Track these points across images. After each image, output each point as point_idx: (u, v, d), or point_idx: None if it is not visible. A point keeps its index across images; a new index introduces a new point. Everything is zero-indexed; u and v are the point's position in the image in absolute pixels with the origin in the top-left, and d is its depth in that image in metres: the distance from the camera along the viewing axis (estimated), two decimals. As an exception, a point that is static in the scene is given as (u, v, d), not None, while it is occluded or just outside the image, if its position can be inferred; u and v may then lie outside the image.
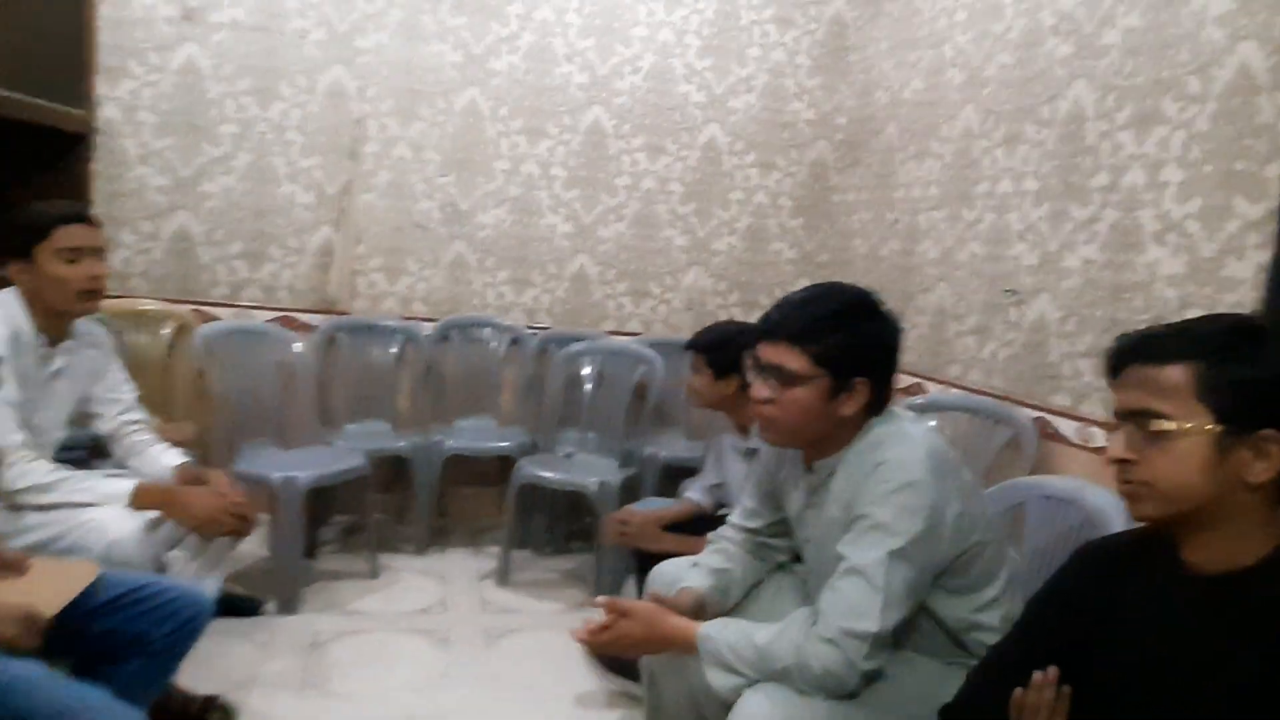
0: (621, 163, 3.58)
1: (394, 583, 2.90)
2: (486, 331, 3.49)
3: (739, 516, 1.71)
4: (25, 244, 1.83)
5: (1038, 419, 2.39)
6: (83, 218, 1.91)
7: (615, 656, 2.16)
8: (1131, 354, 0.99)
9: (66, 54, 2.89)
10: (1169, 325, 1.02)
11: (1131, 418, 0.97)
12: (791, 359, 1.38)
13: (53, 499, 1.74)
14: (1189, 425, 0.93)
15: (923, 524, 1.29)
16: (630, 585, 2.55)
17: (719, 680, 1.32)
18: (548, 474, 2.92)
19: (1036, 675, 1.04)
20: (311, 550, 3.02)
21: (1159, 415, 0.94)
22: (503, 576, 2.99)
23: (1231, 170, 1.91)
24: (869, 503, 1.32)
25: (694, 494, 2.41)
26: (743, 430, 2.27)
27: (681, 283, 3.70)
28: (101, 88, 3.05)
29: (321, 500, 3.14)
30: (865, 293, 1.45)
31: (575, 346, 3.35)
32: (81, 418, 2.05)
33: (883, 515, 1.30)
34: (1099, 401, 2.23)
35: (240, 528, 1.90)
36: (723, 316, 3.71)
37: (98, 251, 1.91)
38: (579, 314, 3.63)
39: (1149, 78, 2.15)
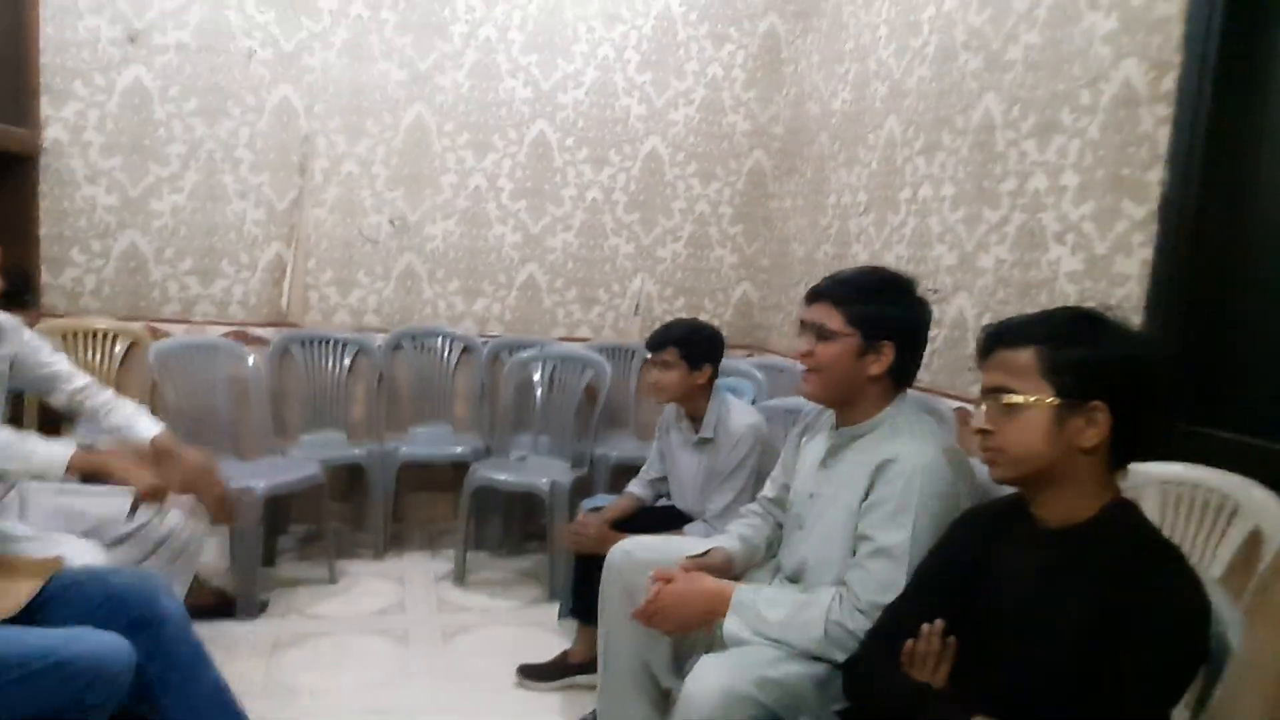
0: (567, 174, 3.70)
1: (353, 587, 2.97)
2: (438, 341, 3.58)
3: (768, 489, 1.88)
4: None
5: (958, 409, 2.56)
6: None
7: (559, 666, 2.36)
8: (996, 340, 1.15)
9: (9, 75, 2.94)
10: (1027, 315, 1.17)
11: (990, 394, 1.13)
12: (829, 317, 1.57)
13: None
14: (1033, 399, 1.08)
15: (940, 509, 1.43)
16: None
17: (734, 628, 1.48)
18: (501, 476, 3.02)
19: (924, 627, 1.18)
20: (270, 559, 3.08)
21: (1011, 391, 1.10)
22: (459, 577, 3.08)
23: (1119, 175, 2.10)
24: (892, 494, 1.46)
25: (634, 488, 2.52)
26: (694, 421, 2.40)
27: (628, 289, 3.83)
28: (46, 109, 3.09)
29: (279, 510, 3.20)
30: (904, 277, 1.65)
31: (525, 353, 3.46)
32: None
33: (904, 500, 1.44)
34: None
35: (214, 503, 1.89)
36: (669, 320, 3.86)
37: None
38: (529, 322, 3.73)
39: (1048, 90, 2.34)
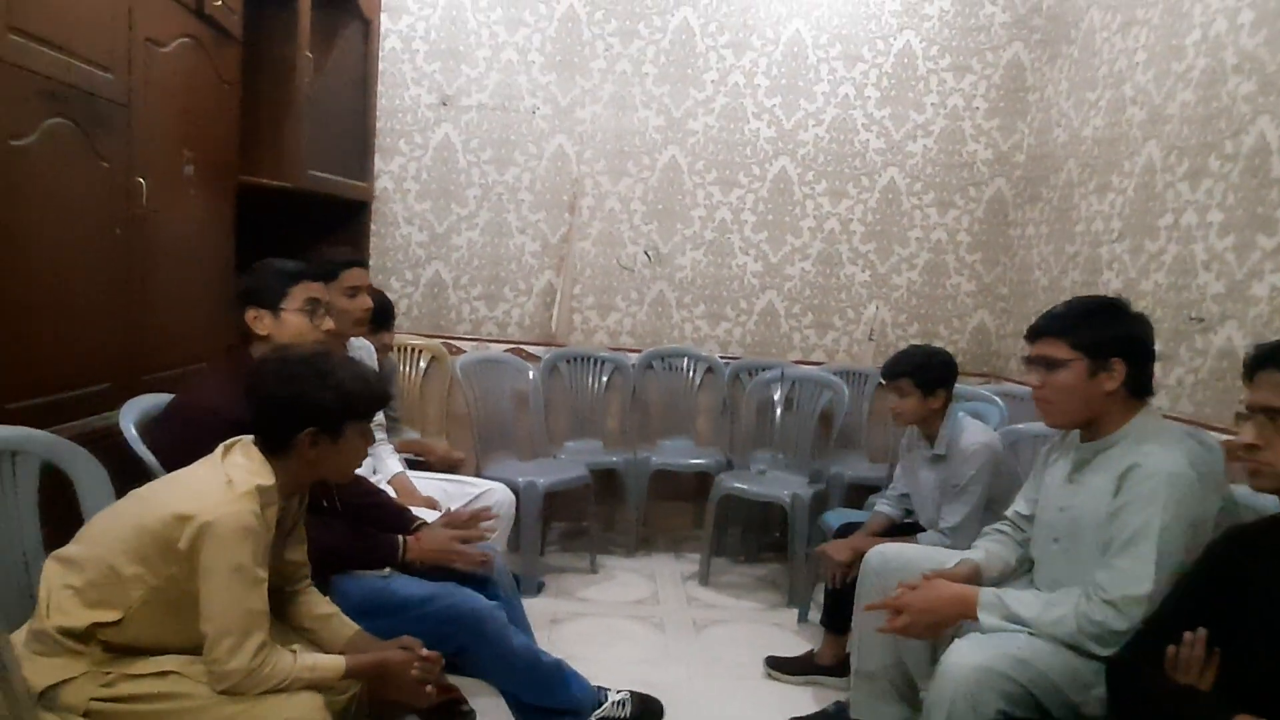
0: (806, 207, 3.92)
1: (611, 579, 3.34)
2: (684, 361, 3.91)
3: (1019, 505, 1.98)
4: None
5: (1225, 440, 2.48)
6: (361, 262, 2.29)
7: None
8: (1268, 360, 1.23)
9: (356, 140, 3.62)
10: None
11: (1262, 411, 1.21)
12: (1054, 349, 1.70)
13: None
14: None
15: (1188, 511, 1.52)
16: (820, 592, 2.81)
17: (990, 621, 1.60)
18: (746, 487, 3.27)
19: (1187, 635, 1.27)
20: (540, 549, 3.52)
21: None
22: (704, 578, 3.36)
23: None
24: (1137, 497, 1.55)
25: (883, 506, 2.67)
26: (930, 440, 2.53)
27: (862, 316, 3.97)
28: (378, 164, 3.76)
29: (547, 507, 3.64)
30: (1114, 299, 1.77)
31: (768, 373, 3.70)
32: None
33: (1150, 503, 1.52)
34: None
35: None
36: (903, 347, 3.94)
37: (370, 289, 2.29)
38: (767, 345, 3.98)
39: (1333, 113, 2.25)
